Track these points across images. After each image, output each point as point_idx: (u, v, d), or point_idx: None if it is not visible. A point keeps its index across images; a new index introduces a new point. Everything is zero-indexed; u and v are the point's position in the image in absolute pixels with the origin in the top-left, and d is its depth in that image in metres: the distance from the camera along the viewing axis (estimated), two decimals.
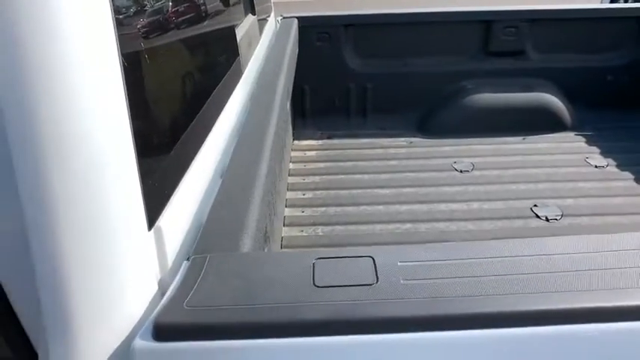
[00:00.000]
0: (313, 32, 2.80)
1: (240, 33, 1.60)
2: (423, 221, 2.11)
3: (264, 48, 2.03)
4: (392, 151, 2.77)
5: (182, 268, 0.76)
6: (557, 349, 0.66)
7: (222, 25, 1.40)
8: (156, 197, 0.78)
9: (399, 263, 0.73)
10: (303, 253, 0.86)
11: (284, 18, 2.75)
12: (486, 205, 2.20)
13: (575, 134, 2.90)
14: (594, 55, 2.99)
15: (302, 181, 2.47)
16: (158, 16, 0.94)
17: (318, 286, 0.69)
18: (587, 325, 0.64)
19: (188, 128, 0.97)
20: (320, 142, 2.91)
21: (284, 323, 0.65)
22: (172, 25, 1.03)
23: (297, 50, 2.70)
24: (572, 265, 0.73)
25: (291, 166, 2.62)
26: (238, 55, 1.47)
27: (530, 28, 2.88)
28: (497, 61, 2.96)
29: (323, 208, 2.22)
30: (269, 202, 1.09)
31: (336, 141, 2.91)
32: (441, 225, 2.08)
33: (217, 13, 1.41)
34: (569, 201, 2.23)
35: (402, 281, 0.69)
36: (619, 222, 2.08)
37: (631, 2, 8.82)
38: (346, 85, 2.95)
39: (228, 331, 0.65)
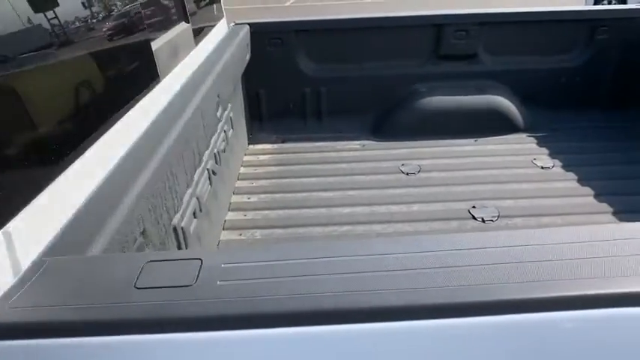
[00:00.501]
0: (265, 38, 2.83)
1: (161, 41, 1.63)
2: (361, 223, 2.14)
3: (201, 55, 2.05)
4: (344, 154, 2.80)
5: (22, 271, 0.79)
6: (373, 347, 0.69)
7: (131, 34, 1.43)
8: (4, 202, 0.81)
9: (222, 265, 0.76)
10: (137, 256, 0.89)
11: (236, 24, 2.79)
12: (426, 207, 2.23)
13: (528, 136, 2.93)
14: (548, 58, 3.02)
15: (250, 185, 2.50)
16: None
17: (137, 288, 0.72)
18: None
19: (59, 136, 1.00)
20: (275, 146, 2.94)
21: (98, 322, 0.68)
22: (63, 30, 1.06)
23: (249, 56, 2.73)
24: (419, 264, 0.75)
25: (242, 170, 2.66)
26: (153, 62, 1.50)
27: (481, 32, 2.92)
28: (450, 65, 2.99)
29: (266, 212, 2.25)
30: (152, 207, 1.12)
31: (290, 144, 2.94)
32: (378, 227, 2.11)
33: (128, 22, 1.45)
34: (509, 202, 2.26)
35: (218, 282, 0.72)
36: (553, 222, 2.11)
37: (615, 3, 8.88)
38: (301, 90, 2.99)
39: (46, 329, 0.68)
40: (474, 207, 2.22)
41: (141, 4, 1.53)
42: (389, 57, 2.97)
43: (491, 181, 2.44)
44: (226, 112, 2.28)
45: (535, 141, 2.87)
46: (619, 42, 2.94)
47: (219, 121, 1.92)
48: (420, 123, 2.95)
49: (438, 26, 2.88)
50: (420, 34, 2.91)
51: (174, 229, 1.45)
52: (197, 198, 1.69)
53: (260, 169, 2.66)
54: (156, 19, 1.67)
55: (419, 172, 2.56)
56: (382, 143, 2.92)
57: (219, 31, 2.49)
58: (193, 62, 1.90)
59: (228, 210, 2.26)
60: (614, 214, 2.16)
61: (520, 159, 2.65)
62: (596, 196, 2.29)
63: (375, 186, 2.43)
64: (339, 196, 2.35)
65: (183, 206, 1.55)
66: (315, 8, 15.31)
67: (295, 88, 2.98)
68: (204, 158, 1.85)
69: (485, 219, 2.14)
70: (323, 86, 2.99)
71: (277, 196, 2.38)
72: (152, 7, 1.65)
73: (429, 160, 2.66)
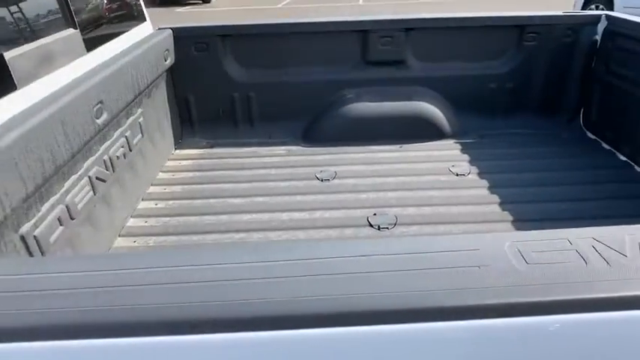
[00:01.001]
0: (190, 43, 2.84)
1: (24, 49, 1.64)
2: (256, 230, 2.14)
3: (92, 61, 2.05)
4: (267, 159, 2.80)
5: None
6: None
7: None
8: None
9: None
10: None
11: (159, 29, 2.80)
12: (328, 214, 2.22)
13: (455, 142, 2.91)
14: (477, 64, 3.00)
15: (163, 190, 2.51)
16: None
17: None
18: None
19: None
20: (201, 151, 2.94)
21: None
22: None
23: (170, 61, 2.74)
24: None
25: (160, 175, 2.66)
26: (7, 72, 1.51)
27: (407, 38, 2.90)
28: (378, 70, 2.98)
29: (167, 219, 2.25)
30: None
31: (217, 150, 2.94)
32: (273, 234, 2.11)
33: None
34: (411, 210, 2.24)
35: None
36: (449, 231, 2.10)
37: (602, 8, 8.81)
38: (230, 95, 2.99)
39: None
40: (374, 214, 2.21)
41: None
42: (317, 63, 2.97)
43: (399, 188, 2.42)
44: (132, 118, 2.28)
45: (459, 147, 2.85)
46: (548, 48, 2.92)
47: (102, 128, 1.91)
48: (347, 129, 2.94)
49: (363, 32, 2.88)
50: (346, 40, 2.91)
51: (22, 237, 1.46)
52: (66, 206, 1.70)
53: (178, 175, 2.67)
54: (21, 26, 1.68)
55: (334, 178, 2.55)
56: (309, 149, 2.91)
57: (132, 36, 2.50)
58: (77, 69, 1.91)
59: (131, 216, 2.26)
60: (517, 222, 2.14)
61: (438, 165, 2.63)
62: (505, 203, 2.27)
63: (287, 192, 2.42)
64: (246, 203, 2.35)
65: (40, 214, 1.55)
66: (309, 10, 15.35)
67: (224, 93, 2.98)
68: (85, 165, 1.85)
69: (380, 227, 2.12)
70: (252, 91, 3.00)
71: (185, 202, 2.38)
72: (18, 15, 1.66)
73: (347, 167, 2.65)
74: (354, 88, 2.99)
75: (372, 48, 2.92)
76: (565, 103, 3.05)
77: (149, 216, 2.27)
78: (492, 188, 2.40)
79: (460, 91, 3.02)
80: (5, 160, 1.33)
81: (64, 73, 1.82)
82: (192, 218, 2.24)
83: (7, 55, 1.54)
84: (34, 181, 1.46)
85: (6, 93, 1.51)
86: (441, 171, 2.57)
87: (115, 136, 2.12)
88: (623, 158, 2.66)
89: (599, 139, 2.89)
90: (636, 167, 2.56)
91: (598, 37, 2.84)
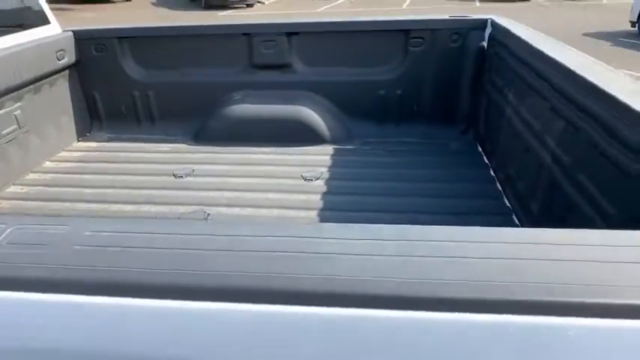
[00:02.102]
0: (91, 44, 3.07)
1: None
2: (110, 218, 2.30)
3: None
4: (148, 155, 2.95)
5: None
6: None
7: None
8: None
9: None
10: None
11: (64, 31, 3.05)
12: (148, 208, 2.34)
13: (335, 148, 2.90)
14: (365, 69, 2.98)
15: (37, 177, 2.74)
16: None
17: None
18: None
19: None
20: (100, 144, 3.16)
21: None
22: None
23: (67, 60, 2.98)
24: None
25: (47, 163, 2.90)
26: None
27: (290, 42, 2.94)
28: (265, 74, 3.05)
29: (24, 202, 2.47)
30: None
31: (114, 144, 3.15)
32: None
33: None
34: (223, 209, 2.30)
35: None
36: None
37: None
38: (130, 93, 3.19)
39: None
40: (191, 213, 2.29)
41: None
42: (210, 65, 3.09)
43: (228, 188, 2.47)
44: (2, 111, 2.53)
45: (331, 153, 2.84)
46: (435, 54, 2.83)
47: None
48: (229, 130, 3.03)
49: (248, 36, 2.96)
50: (234, 43, 3.00)
51: None
52: None
53: (63, 165, 2.89)
54: None
55: (187, 176, 2.66)
56: (192, 147, 3.04)
57: (21, 37, 2.75)
58: None
59: None
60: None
61: (290, 170, 2.63)
62: (331, 209, 2.26)
63: (132, 186, 2.55)
64: (99, 193, 2.51)
65: None
66: (348, 14, 15.43)
67: (125, 91, 3.19)
68: None
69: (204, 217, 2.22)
70: (151, 90, 3.17)
71: (53, 189, 2.59)
72: None
73: (207, 166, 2.74)
74: (242, 91, 3.07)
75: (257, 52, 2.99)
76: (458, 114, 2.94)
77: (7, 198, 2.51)
78: (333, 195, 2.38)
79: (349, 97, 3.01)
80: None
81: None
82: (51, 204, 2.43)
83: None
84: None
85: None
86: (291, 175, 2.59)
87: None
88: (492, 174, 2.53)
89: (482, 152, 2.77)
90: (497, 183, 2.43)
91: (485, 44, 2.72)
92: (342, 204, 2.29)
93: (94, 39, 3.07)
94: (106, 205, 2.38)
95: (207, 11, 16.31)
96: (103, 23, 3.14)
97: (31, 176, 2.76)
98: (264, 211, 2.29)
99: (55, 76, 2.94)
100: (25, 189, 2.61)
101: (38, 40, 2.78)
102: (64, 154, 3.04)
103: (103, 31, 3.06)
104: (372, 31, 2.88)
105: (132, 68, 3.14)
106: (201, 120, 3.15)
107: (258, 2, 17.82)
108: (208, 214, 2.28)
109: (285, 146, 2.93)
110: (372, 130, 3.01)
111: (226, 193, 2.45)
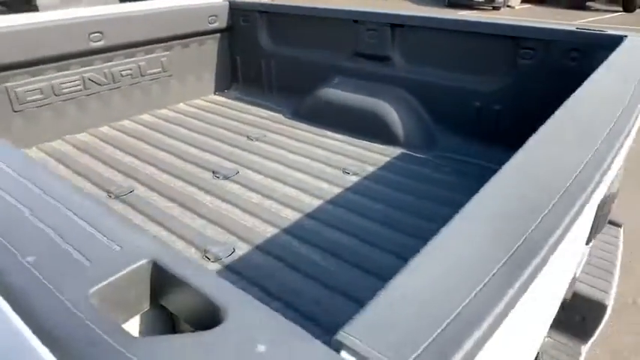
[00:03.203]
0: (240, 14, 3.56)
1: None
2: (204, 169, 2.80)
3: (118, 8, 3.08)
4: (248, 117, 3.32)
5: None
6: None
7: None
8: None
9: None
10: None
11: (223, 1, 3.62)
12: (229, 165, 2.68)
13: (405, 152, 2.72)
14: (464, 75, 2.67)
15: (160, 111, 3.40)
16: None
17: None
18: None
19: None
20: (226, 100, 3.68)
21: None
22: None
23: (221, 26, 3.54)
24: None
25: (180, 105, 3.55)
26: None
27: (393, 34, 2.83)
28: (364, 63, 3.02)
29: (125, 137, 3.14)
30: None
31: (233, 102, 3.62)
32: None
33: None
34: (234, 187, 2.44)
35: None
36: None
37: None
38: (259, 62, 3.60)
39: None
40: (213, 172, 2.51)
41: None
42: (321, 46, 3.23)
43: (283, 162, 2.59)
44: (151, 55, 3.23)
45: (395, 155, 2.67)
46: (548, 71, 2.34)
47: (99, 50, 2.92)
48: (316, 110, 3.15)
49: (354, 22, 2.97)
50: (344, 28, 3.05)
51: (6, 88, 2.62)
52: (52, 85, 2.79)
53: (192, 109, 3.50)
54: None
55: (257, 140, 2.90)
56: (286, 119, 3.26)
57: (188, 1, 3.40)
58: (88, 11, 2.95)
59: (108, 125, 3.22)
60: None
61: (334, 165, 2.58)
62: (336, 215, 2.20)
63: (222, 139, 2.93)
64: (197, 139, 2.98)
65: (28, 80, 2.68)
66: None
67: (256, 59, 3.61)
68: (79, 68, 2.91)
69: (219, 176, 2.46)
70: (273, 61, 3.51)
71: (166, 124, 3.20)
72: None
73: (278, 137, 2.93)
74: (341, 76, 3.12)
75: (360, 40, 2.97)
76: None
77: (141, 123, 3.20)
78: (363, 198, 2.28)
79: (440, 103, 2.75)
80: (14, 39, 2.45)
81: (75, 11, 2.89)
82: (161, 137, 3.02)
83: None
84: (30, 55, 2.56)
85: (30, 12, 2.66)
86: (336, 166, 2.55)
87: (121, 60, 3.11)
88: None
89: None
90: None
91: None
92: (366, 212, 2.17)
93: (243, 10, 3.55)
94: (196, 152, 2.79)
95: (448, 9, 16.12)
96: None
97: (163, 111, 3.44)
98: (293, 192, 2.33)
99: (204, 37, 3.54)
100: (154, 120, 3.28)
101: (195, 4, 3.40)
102: (198, 101, 3.66)
103: (250, 4, 3.51)
104: (477, 33, 2.54)
105: (264, 39, 3.53)
106: (303, 97, 3.34)
107: (508, 6, 16.66)
108: (237, 172, 2.47)
109: (357, 137, 2.89)
110: (454, 144, 2.69)
111: (280, 167, 2.58)
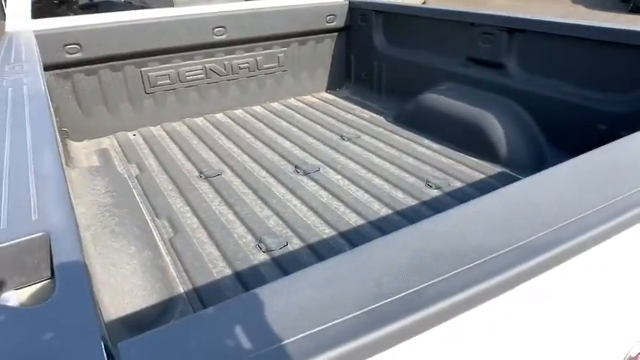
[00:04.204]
0: (359, 13, 3.54)
1: None
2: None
3: (242, 5, 3.30)
4: (350, 118, 3.29)
5: None
6: None
7: None
8: None
9: None
10: None
11: (344, 0, 3.63)
12: (317, 163, 2.74)
13: (505, 171, 2.43)
14: (590, 92, 2.27)
15: (272, 104, 3.56)
16: None
17: None
18: None
19: None
20: (334, 98, 3.71)
21: None
22: None
23: (339, 25, 3.58)
24: None
25: (290, 100, 3.68)
26: None
27: (510, 40, 2.53)
28: (475, 69, 2.76)
29: (233, 126, 3.35)
30: None
31: (341, 101, 3.63)
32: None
33: None
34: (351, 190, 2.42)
35: None
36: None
37: None
38: (371, 62, 3.54)
39: None
40: (295, 167, 2.53)
41: None
42: (434, 49, 3.05)
43: (366, 165, 2.52)
44: (269, 51, 3.41)
45: (493, 173, 2.39)
46: None
47: (221, 43, 3.17)
48: (415, 116, 2.98)
49: (471, 25, 2.72)
50: (458, 31, 2.83)
51: (141, 72, 3.03)
52: (178, 72, 3.15)
53: (299, 105, 3.61)
54: None
55: (351, 140, 2.86)
56: (387, 123, 3.16)
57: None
58: (217, 8, 3.20)
59: (221, 111, 3.45)
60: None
61: (417, 175, 2.40)
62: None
63: (318, 137, 2.98)
64: (292, 133, 3.10)
65: (156, 67, 3.07)
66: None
67: (368, 59, 3.56)
68: (202, 59, 3.22)
69: (300, 171, 2.49)
70: (385, 63, 3.43)
71: (273, 117, 3.36)
72: None
73: (370, 139, 2.85)
74: (449, 82, 2.90)
75: (474, 44, 2.72)
76: None
77: (252, 114, 3.41)
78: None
79: (558, 121, 2.38)
80: (152, 30, 2.86)
81: (203, 7, 3.16)
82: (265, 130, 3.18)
83: None
84: (162, 44, 2.95)
85: (166, 6, 3.03)
86: (417, 182, 2.37)
87: (241, 54, 3.34)
88: None
89: None
90: None
91: None
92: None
93: (361, 9, 3.53)
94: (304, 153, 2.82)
95: (631, 15, 13.88)
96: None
97: (274, 104, 3.61)
98: (365, 196, 2.26)
99: (322, 35, 3.61)
100: (263, 111, 3.46)
101: (314, 3, 3.48)
102: (308, 97, 3.76)
103: (369, 4, 3.47)
104: (619, 44, 2.12)
105: (378, 40, 3.46)
106: (409, 100, 3.20)
107: None
108: (318, 169, 2.47)
109: (452, 148, 2.66)
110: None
111: (361, 170, 2.53)
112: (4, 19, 3.04)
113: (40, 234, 0.71)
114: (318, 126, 3.13)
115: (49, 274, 0.72)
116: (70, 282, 0.61)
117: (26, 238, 0.71)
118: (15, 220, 0.76)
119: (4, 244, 0.69)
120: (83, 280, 0.62)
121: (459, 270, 0.70)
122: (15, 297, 0.70)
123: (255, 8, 3.28)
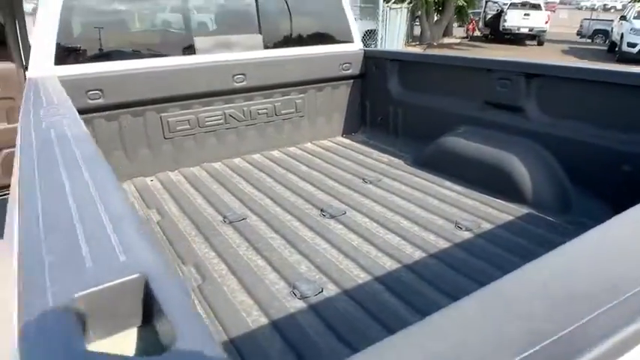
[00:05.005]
0: (373, 62, 3.65)
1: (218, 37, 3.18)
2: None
3: (264, 53, 3.40)
4: (369, 162, 3.31)
5: None
6: None
7: None
8: None
9: None
10: None
11: (359, 49, 3.75)
12: (338, 206, 2.73)
13: (527, 211, 2.42)
14: (613, 133, 2.30)
15: (289, 148, 3.58)
16: None
17: None
18: None
19: None
20: (349, 142, 3.75)
21: None
22: None
23: (355, 72, 3.68)
24: None
25: (307, 143, 3.71)
26: None
27: (528, 84, 2.59)
28: (493, 113, 2.81)
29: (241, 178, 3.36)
30: None
31: (356, 145, 3.66)
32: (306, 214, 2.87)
33: None
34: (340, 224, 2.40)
35: None
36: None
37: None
38: (387, 107, 3.61)
39: None
40: (321, 210, 2.52)
41: None
42: (451, 94, 3.12)
43: (389, 206, 2.51)
44: (286, 97, 3.47)
45: (518, 215, 2.38)
46: None
47: (241, 90, 3.24)
48: (436, 159, 3.00)
49: (489, 72, 2.80)
50: (474, 77, 2.91)
51: (160, 117, 3.06)
52: (197, 117, 3.18)
53: (316, 149, 3.64)
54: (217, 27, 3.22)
55: (371, 184, 2.86)
56: (406, 166, 3.18)
57: (319, 49, 3.61)
58: (240, 55, 3.29)
59: (239, 155, 3.49)
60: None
61: (446, 217, 2.39)
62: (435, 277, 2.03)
63: (328, 192, 2.98)
64: (313, 188, 3.10)
65: (176, 112, 3.11)
66: None
67: (384, 105, 3.63)
68: (222, 104, 3.27)
69: (326, 214, 2.47)
70: (401, 108, 3.50)
71: (289, 159, 3.38)
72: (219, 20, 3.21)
73: (391, 181, 2.85)
74: (467, 126, 2.95)
75: (491, 88, 2.79)
76: None
77: (270, 158, 3.41)
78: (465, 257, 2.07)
79: (582, 163, 2.40)
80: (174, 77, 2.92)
81: (224, 55, 3.24)
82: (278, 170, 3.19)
83: (195, 39, 3.12)
84: (183, 91, 2.99)
85: (188, 54, 3.11)
86: (446, 226, 2.34)
87: (259, 100, 3.40)
88: None
89: None
90: None
91: None
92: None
93: (376, 58, 3.64)
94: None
95: (619, 64, 14.43)
96: None
97: (292, 149, 3.63)
98: (395, 239, 2.24)
99: (338, 82, 3.70)
100: (282, 156, 3.46)
101: (331, 52, 3.59)
102: (325, 141, 3.80)
103: (383, 52, 3.59)
104: (633, 86, 2.18)
105: (393, 86, 3.54)
106: (427, 144, 3.23)
107: None
108: (344, 213, 2.46)
109: (477, 190, 2.67)
110: (593, 209, 2.30)
111: (388, 212, 2.50)
112: (25, 66, 3.10)
113: (136, 275, 0.68)
114: (338, 169, 3.15)
115: (140, 318, 0.69)
116: (189, 325, 0.58)
117: (121, 280, 0.67)
118: (102, 262, 0.72)
119: (98, 288, 0.66)
120: (201, 322, 0.58)
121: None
122: (110, 344, 0.66)
123: (275, 56, 3.37)
